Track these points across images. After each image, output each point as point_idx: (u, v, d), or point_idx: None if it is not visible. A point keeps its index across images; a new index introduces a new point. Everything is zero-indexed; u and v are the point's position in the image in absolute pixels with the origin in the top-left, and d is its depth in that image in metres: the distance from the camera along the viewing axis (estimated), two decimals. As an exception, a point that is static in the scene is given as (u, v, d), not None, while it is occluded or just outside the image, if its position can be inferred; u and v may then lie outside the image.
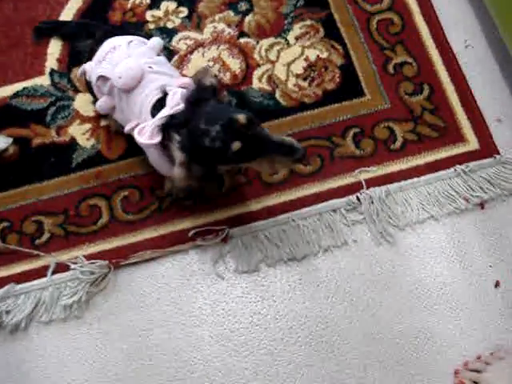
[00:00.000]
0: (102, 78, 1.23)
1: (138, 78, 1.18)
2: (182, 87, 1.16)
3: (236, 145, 1.01)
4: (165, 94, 1.15)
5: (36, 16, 1.52)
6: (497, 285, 1.29)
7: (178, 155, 1.06)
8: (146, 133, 1.11)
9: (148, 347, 1.27)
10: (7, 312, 1.28)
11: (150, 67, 1.19)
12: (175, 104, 1.11)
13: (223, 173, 1.32)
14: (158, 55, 1.28)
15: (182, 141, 1.06)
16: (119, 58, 1.21)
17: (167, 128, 1.11)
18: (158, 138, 1.11)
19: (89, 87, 1.33)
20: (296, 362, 1.25)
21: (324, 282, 1.31)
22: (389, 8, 1.52)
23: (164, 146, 1.12)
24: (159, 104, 1.14)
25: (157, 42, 1.28)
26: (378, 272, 1.31)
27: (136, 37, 1.28)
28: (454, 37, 1.50)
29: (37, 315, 1.29)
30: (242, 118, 1.01)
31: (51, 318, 1.29)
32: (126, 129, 1.19)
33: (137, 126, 1.15)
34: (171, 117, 1.10)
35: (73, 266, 1.30)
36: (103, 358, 1.27)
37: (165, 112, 1.11)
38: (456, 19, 1.53)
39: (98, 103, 1.28)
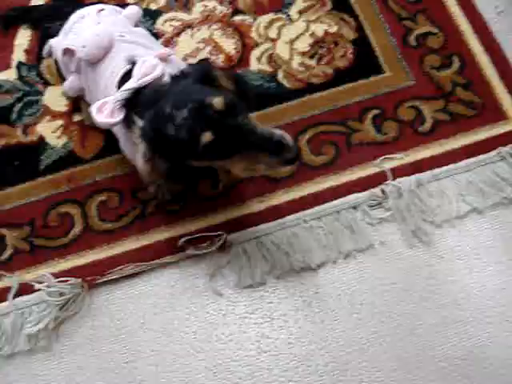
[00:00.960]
0: (69, 52, 1.06)
1: (104, 47, 1.00)
2: (159, 58, 0.99)
3: (206, 136, 0.79)
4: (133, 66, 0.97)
5: (2, 4, 1.35)
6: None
7: (140, 146, 0.86)
8: (105, 110, 0.93)
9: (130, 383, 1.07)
10: (-40, 344, 1.09)
11: (121, 36, 1.02)
12: (143, 75, 0.91)
13: (216, 167, 1.13)
14: (136, 26, 1.12)
15: (145, 127, 0.85)
16: (87, 27, 1.05)
17: (132, 106, 0.92)
18: (119, 117, 0.90)
19: (58, 68, 1.16)
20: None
21: (346, 294, 1.08)
22: (406, -28, 1.36)
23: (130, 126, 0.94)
24: (128, 77, 0.95)
25: (134, 10, 1.11)
26: (413, 280, 1.08)
27: (109, 5, 1.12)
28: (483, 3, 1.32)
29: (-3, 347, 1.10)
30: (217, 101, 0.79)
31: (14, 351, 1.08)
32: (91, 109, 1.01)
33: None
34: (137, 92, 0.90)
35: (38, 286, 1.09)
36: (77, 400, 1.06)
37: (129, 85, 0.92)
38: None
39: (65, 83, 1.12)
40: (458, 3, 1.30)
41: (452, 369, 1.02)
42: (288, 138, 0.82)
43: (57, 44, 1.11)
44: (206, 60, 1.10)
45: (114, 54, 1.01)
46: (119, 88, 0.95)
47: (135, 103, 0.90)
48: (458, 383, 1.01)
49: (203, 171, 1.04)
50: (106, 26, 1.04)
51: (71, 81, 1.11)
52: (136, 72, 0.92)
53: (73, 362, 1.07)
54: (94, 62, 1.02)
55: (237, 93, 0.89)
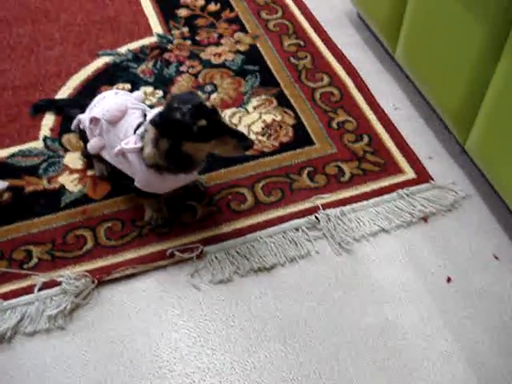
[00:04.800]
0: (94, 120, 1.70)
1: (122, 111, 1.63)
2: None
3: (202, 121, 1.41)
4: (145, 117, 1.63)
5: (32, 100, 2.06)
6: (449, 280, 1.64)
7: (150, 132, 1.46)
8: (130, 142, 1.56)
9: (128, 351, 1.50)
10: (-7, 325, 1.55)
11: (132, 104, 1.67)
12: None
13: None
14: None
15: (155, 117, 1.46)
16: (108, 100, 1.72)
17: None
18: (139, 144, 1.52)
19: (81, 136, 1.80)
20: (271, 356, 1.50)
21: (292, 287, 1.62)
22: (329, 84, 2.14)
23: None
24: (141, 124, 1.59)
25: (139, 94, 1.80)
26: (341, 276, 1.64)
27: (122, 90, 1.82)
28: (383, 102, 2.09)
29: (21, 327, 1.54)
30: (209, 104, 1.47)
31: (35, 330, 1.53)
32: (114, 151, 1.63)
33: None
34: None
35: (59, 279, 1.60)
36: (85, 364, 1.48)
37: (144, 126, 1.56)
38: (383, 90, 2.15)
39: (90, 143, 1.71)
40: (365, 102, 2.07)
41: (373, 334, 1.51)
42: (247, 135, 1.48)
43: (84, 117, 1.75)
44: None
45: (129, 115, 1.65)
46: (135, 132, 1.60)
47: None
48: (377, 343, 1.50)
49: (186, 199, 1.69)
50: (123, 98, 1.71)
51: (94, 141, 1.70)
52: (148, 117, 1.58)
53: (83, 338, 1.53)
54: (114, 123, 1.66)
55: None
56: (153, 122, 1.46)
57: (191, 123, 1.41)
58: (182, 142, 1.45)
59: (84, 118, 1.74)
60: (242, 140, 1.46)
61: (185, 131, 1.43)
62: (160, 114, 1.47)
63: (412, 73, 2.04)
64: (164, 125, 1.45)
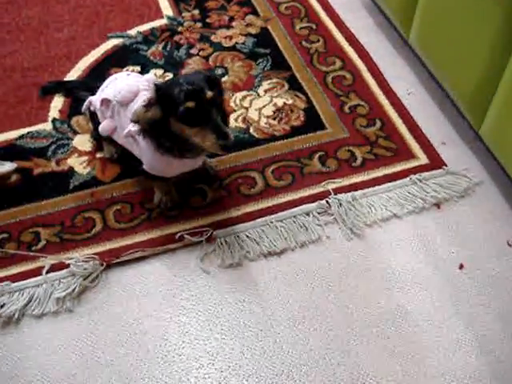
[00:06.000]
0: (106, 102, 1.67)
1: (134, 92, 1.61)
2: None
3: (190, 104, 1.38)
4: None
5: (41, 81, 2.04)
6: (461, 267, 1.62)
7: (151, 92, 1.45)
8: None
9: (137, 334, 1.49)
10: (1, 306, 1.52)
11: (143, 85, 1.66)
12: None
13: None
14: (152, 85, 1.78)
15: (158, 84, 1.45)
16: (120, 82, 1.70)
17: None
18: None
19: (92, 118, 1.78)
20: (281, 340, 1.48)
21: (303, 271, 1.60)
22: (341, 68, 2.11)
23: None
24: None
25: (151, 76, 1.78)
26: (352, 261, 1.62)
27: (134, 73, 1.80)
28: (396, 87, 2.06)
29: (29, 310, 1.53)
30: (209, 93, 1.41)
31: (43, 312, 1.52)
32: (124, 133, 1.61)
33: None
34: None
35: (68, 261, 1.58)
36: (93, 346, 1.47)
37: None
38: (396, 74, 2.12)
39: (101, 125, 1.68)
40: (378, 86, 2.04)
41: (384, 320, 1.50)
42: (231, 136, 1.42)
43: (95, 99, 1.73)
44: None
45: (140, 97, 1.63)
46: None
47: None
48: (389, 330, 1.48)
49: (196, 183, 1.67)
50: (134, 79, 1.69)
51: (106, 123, 1.68)
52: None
53: (91, 321, 1.52)
54: (126, 104, 1.64)
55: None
56: (156, 85, 1.46)
57: (180, 101, 1.40)
58: (169, 117, 1.44)
59: (95, 100, 1.72)
60: (222, 138, 1.41)
61: (173, 107, 1.41)
62: (165, 83, 1.49)
63: (426, 57, 2.01)
64: (161, 92, 1.44)
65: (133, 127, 1.52)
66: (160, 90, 1.44)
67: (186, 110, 1.40)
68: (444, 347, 1.47)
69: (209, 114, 1.41)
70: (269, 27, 2.31)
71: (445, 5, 1.80)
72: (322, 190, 1.76)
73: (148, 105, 1.45)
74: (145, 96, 1.58)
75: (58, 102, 2.00)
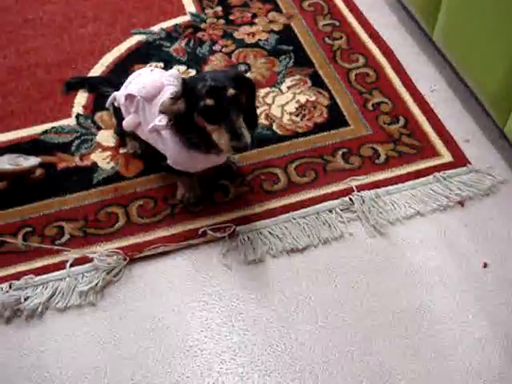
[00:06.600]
0: (130, 97, 1.68)
1: (159, 87, 1.61)
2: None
3: (210, 101, 1.38)
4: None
5: (65, 77, 2.06)
6: (485, 266, 1.60)
7: (179, 85, 1.45)
8: (163, 119, 1.54)
9: (159, 329, 1.50)
10: (25, 299, 1.54)
11: (168, 80, 1.67)
12: None
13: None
14: (176, 81, 1.79)
15: (185, 78, 1.47)
16: (145, 77, 1.71)
17: None
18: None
19: (115, 114, 1.80)
20: (304, 337, 1.48)
21: (326, 268, 1.60)
22: (364, 65, 2.09)
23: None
24: None
25: (175, 71, 1.79)
26: (374, 259, 1.61)
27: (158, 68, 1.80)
28: (420, 84, 2.04)
29: (53, 303, 1.54)
30: (231, 91, 1.40)
31: (67, 305, 1.54)
32: (149, 127, 1.62)
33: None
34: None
35: (92, 256, 1.60)
36: (115, 340, 1.48)
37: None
38: (420, 72, 2.10)
39: (125, 121, 1.69)
40: (402, 83, 2.02)
41: (406, 318, 1.49)
42: (249, 139, 1.41)
43: (119, 94, 1.74)
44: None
45: (164, 92, 1.64)
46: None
47: None
48: (411, 328, 1.48)
49: (219, 179, 1.68)
50: (158, 75, 1.70)
51: (130, 118, 1.68)
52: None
53: (114, 315, 1.53)
54: (150, 99, 1.65)
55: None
56: (183, 79, 1.47)
57: (201, 97, 1.40)
58: (193, 111, 1.44)
59: (119, 95, 1.73)
60: (236, 139, 1.40)
61: (194, 101, 1.42)
62: (192, 76, 1.51)
63: (450, 54, 1.99)
64: (187, 86, 1.45)
65: (158, 122, 1.53)
66: (186, 84, 1.44)
67: (205, 106, 1.40)
68: (467, 346, 1.46)
69: (227, 113, 1.40)
70: (292, 24, 2.30)
71: (470, 1, 1.78)
72: (345, 186, 1.76)
73: (175, 97, 1.45)
74: (169, 91, 1.59)
75: (81, 98, 2.02)
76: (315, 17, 2.33)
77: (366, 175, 1.78)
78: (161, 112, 1.49)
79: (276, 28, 2.29)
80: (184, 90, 1.44)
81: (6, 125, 1.97)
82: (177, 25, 2.32)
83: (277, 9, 2.38)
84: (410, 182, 1.76)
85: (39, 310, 1.54)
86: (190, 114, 1.44)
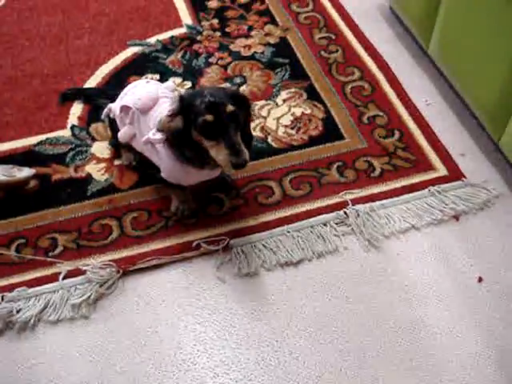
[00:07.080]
0: (125, 108, 1.68)
1: (153, 99, 1.62)
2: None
3: (210, 117, 1.38)
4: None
5: (61, 88, 2.06)
6: (480, 280, 1.60)
7: (175, 102, 1.44)
8: (157, 133, 1.54)
9: (152, 342, 1.49)
10: (17, 311, 1.53)
11: (163, 93, 1.67)
12: None
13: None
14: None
15: (182, 94, 1.46)
16: (140, 89, 1.71)
17: None
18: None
19: (111, 126, 1.79)
20: (297, 351, 1.47)
21: (320, 282, 1.59)
22: (360, 78, 2.10)
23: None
24: None
25: (171, 84, 1.79)
26: (369, 272, 1.61)
27: (153, 80, 1.80)
28: (415, 98, 2.05)
29: (45, 315, 1.53)
30: (230, 107, 1.41)
31: (59, 318, 1.53)
32: (143, 140, 1.62)
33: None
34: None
35: (84, 268, 1.58)
36: (109, 354, 1.47)
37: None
38: (415, 85, 2.11)
39: (120, 132, 1.69)
40: (397, 97, 2.03)
41: (401, 332, 1.49)
42: (247, 156, 1.40)
43: (115, 105, 1.74)
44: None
45: (160, 105, 1.63)
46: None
47: None
48: (406, 342, 1.47)
49: (213, 191, 1.67)
50: (154, 87, 1.70)
51: (125, 130, 1.68)
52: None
53: (107, 328, 1.52)
54: (145, 111, 1.64)
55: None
56: (180, 95, 1.46)
57: (200, 113, 1.40)
58: (191, 128, 1.44)
59: (114, 107, 1.73)
60: (234, 155, 1.39)
61: (192, 117, 1.42)
62: (189, 92, 1.49)
63: (446, 68, 2.00)
64: (184, 103, 1.44)
65: (152, 135, 1.53)
66: (183, 101, 1.44)
67: (204, 122, 1.40)
68: (462, 360, 1.46)
69: (226, 129, 1.40)
70: (288, 37, 2.32)
71: (465, 16, 1.80)
72: (339, 200, 1.76)
73: (172, 115, 1.45)
74: (164, 103, 1.59)
75: (77, 109, 2.02)
76: (311, 30, 2.35)
77: (360, 189, 1.78)
78: (158, 130, 1.50)
79: (272, 41, 2.30)
80: (181, 107, 1.44)
81: (1, 135, 1.97)
82: (173, 37, 2.33)
83: (273, 22, 2.40)
84: (405, 196, 1.77)
85: (31, 322, 1.53)
86: (187, 129, 1.44)
